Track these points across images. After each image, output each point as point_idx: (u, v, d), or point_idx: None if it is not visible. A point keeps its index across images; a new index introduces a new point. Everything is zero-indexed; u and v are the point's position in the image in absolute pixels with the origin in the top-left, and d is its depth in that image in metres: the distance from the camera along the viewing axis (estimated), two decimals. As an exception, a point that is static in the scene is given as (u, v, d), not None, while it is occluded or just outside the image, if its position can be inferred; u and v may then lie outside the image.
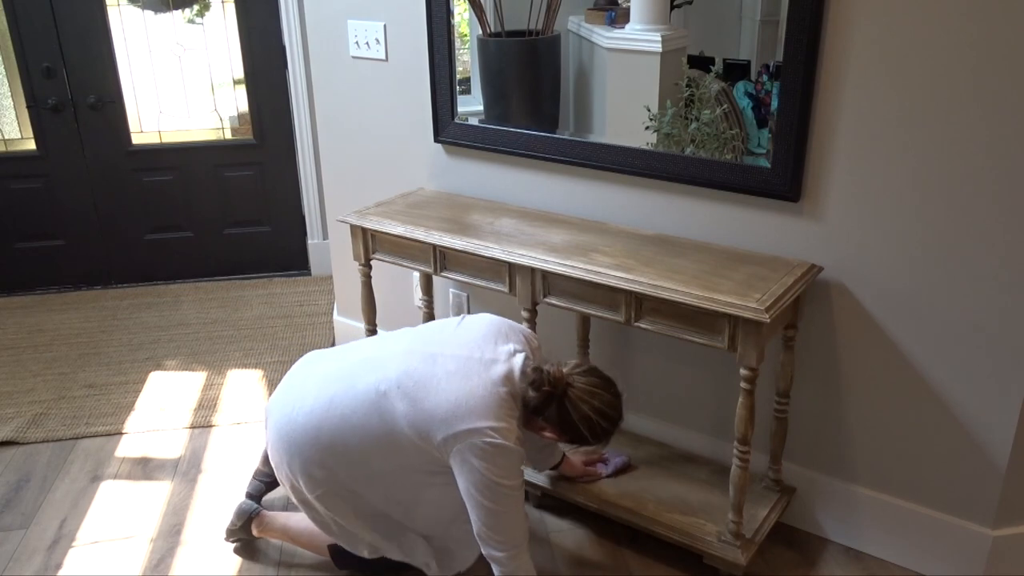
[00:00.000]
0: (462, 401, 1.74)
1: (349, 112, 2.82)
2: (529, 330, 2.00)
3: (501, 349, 1.83)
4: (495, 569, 1.82)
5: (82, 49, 3.60)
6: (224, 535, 2.26)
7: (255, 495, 2.28)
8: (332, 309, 3.55)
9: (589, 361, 1.83)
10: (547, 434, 1.82)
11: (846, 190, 1.93)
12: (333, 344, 3.32)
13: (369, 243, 2.40)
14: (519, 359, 1.81)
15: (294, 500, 2.00)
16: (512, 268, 2.11)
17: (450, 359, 1.82)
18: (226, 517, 2.35)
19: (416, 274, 2.79)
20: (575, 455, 2.27)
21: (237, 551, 2.25)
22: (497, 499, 1.75)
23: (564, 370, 1.79)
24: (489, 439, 1.71)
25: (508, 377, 1.78)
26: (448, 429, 1.73)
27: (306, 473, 1.89)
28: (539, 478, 2.29)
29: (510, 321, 1.96)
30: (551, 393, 1.75)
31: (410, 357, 1.85)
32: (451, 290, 2.79)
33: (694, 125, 2.14)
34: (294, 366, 2.08)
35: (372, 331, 2.53)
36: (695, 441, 2.40)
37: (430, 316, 2.75)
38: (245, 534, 2.24)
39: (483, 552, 1.83)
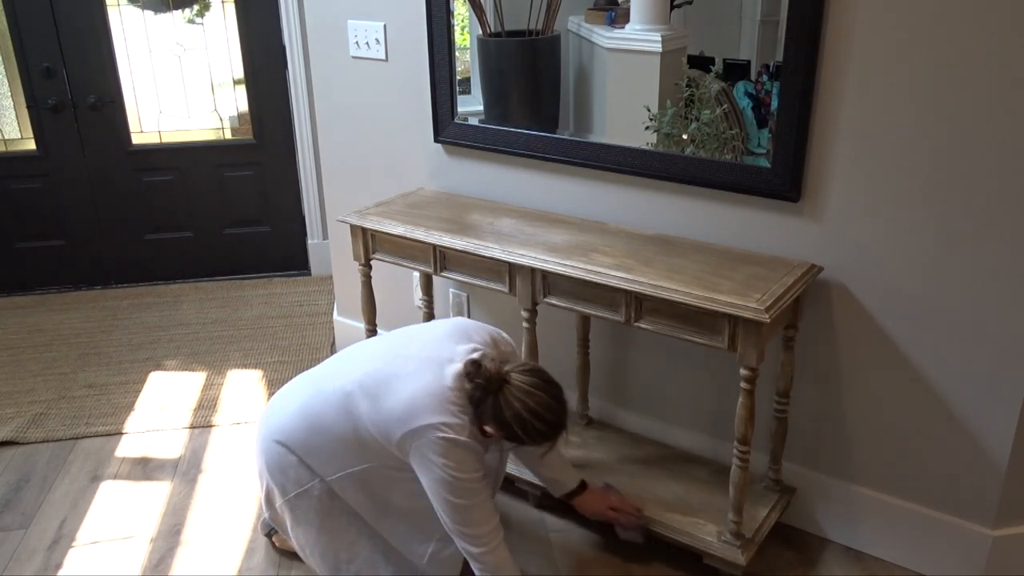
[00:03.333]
0: (416, 399, 1.77)
1: (349, 112, 2.82)
2: (500, 332, 1.99)
3: (460, 348, 1.85)
4: (475, 567, 1.84)
5: (82, 49, 3.60)
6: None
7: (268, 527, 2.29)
8: (332, 309, 3.55)
9: (538, 363, 1.82)
10: (488, 429, 1.82)
11: (846, 190, 1.93)
12: (333, 344, 3.32)
13: (369, 243, 2.40)
14: (475, 356, 1.83)
15: (267, 515, 2.08)
16: (512, 268, 2.11)
17: (411, 359, 1.85)
18: (226, 517, 2.36)
19: (416, 274, 2.79)
20: (601, 495, 2.16)
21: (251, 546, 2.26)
22: (458, 494, 1.78)
23: (505, 368, 1.79)
24: (442, 434, 1.74)
25: (461, 375, 1.80)
26: (404, 427, 1.77)
27: (282, 475, 1.95)
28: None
29: (479, 323, 1.98)
30: (485, 387, 1.75)
31: (374, 360, 1.91)
32: (451, 290, 2.79)
33: (694, 125, 2.14)
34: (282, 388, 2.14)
35: (372, 331, 2.53)
36: (695, 441, 2.40)
37: (430, 316, 2.75)
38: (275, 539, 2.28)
39: (460, 548, 1.85)
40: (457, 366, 1.81)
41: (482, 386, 1.76)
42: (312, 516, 1.96)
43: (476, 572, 1.85)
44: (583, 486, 2.15)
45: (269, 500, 2.03)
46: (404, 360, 1.86)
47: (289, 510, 1.98)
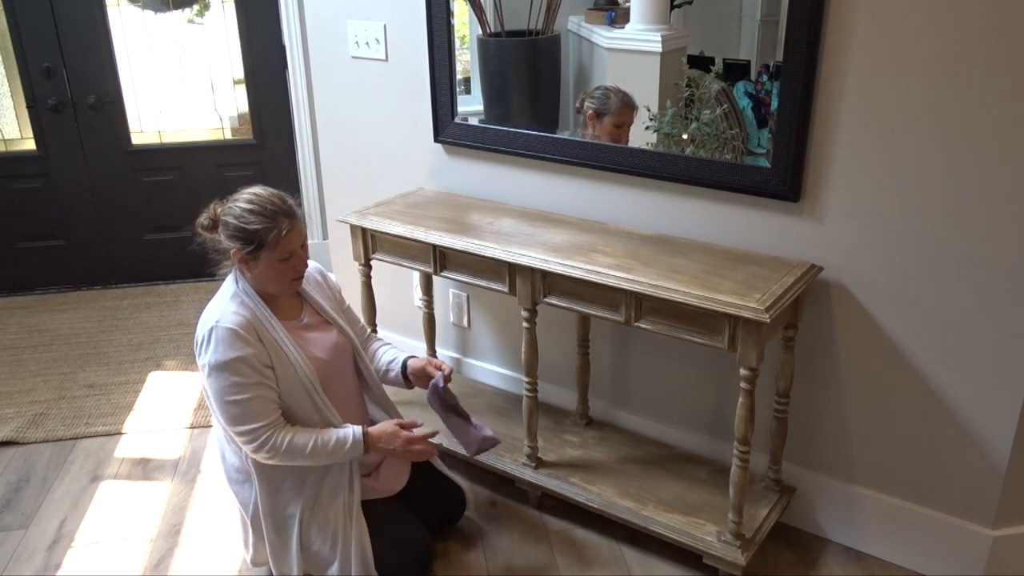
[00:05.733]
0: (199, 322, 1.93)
1: (349, 112, 2.82)
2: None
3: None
4: (263, 457, 1.89)
5: (82, 49, 3.60)
6: None
7: None
8: (332, 309, 3.55)
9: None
10: (236, 258, 1.89)
11: (846, 190, 1.93)
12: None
13: (369, 243, 2.40)
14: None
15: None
16: (512, 268, 2.11)
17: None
18: (226, 517, 2.36)
19: (416, 274, 2.79)
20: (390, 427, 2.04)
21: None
22: (222, 387, 1.83)
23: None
24: (204, 328, 1.86)
25: (230, 275, 1.96)
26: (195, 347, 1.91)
27: (232, 493, 2.05)
28: (539, 477, 2.29)
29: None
30: (211, 225, 1.91)
31: None
32: (451, 290, 2.79)
33: (694, 125, 2.14)
34: None
35: (372, 331, 2.53)
36: (695, 441, 2.40)
37: (430, 316, 2.75)
38: None
39: (255, 458, 1.90)
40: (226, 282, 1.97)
41: (207, 226, 1.91)
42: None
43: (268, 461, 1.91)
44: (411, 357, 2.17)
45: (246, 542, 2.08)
46: None
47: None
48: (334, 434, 1.91)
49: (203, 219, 1.92)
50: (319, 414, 1.95)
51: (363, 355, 2.13)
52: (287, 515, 1.97)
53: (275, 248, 1.87)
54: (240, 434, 1.86)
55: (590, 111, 2.25)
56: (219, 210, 1.91)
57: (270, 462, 1.90)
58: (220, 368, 1.83)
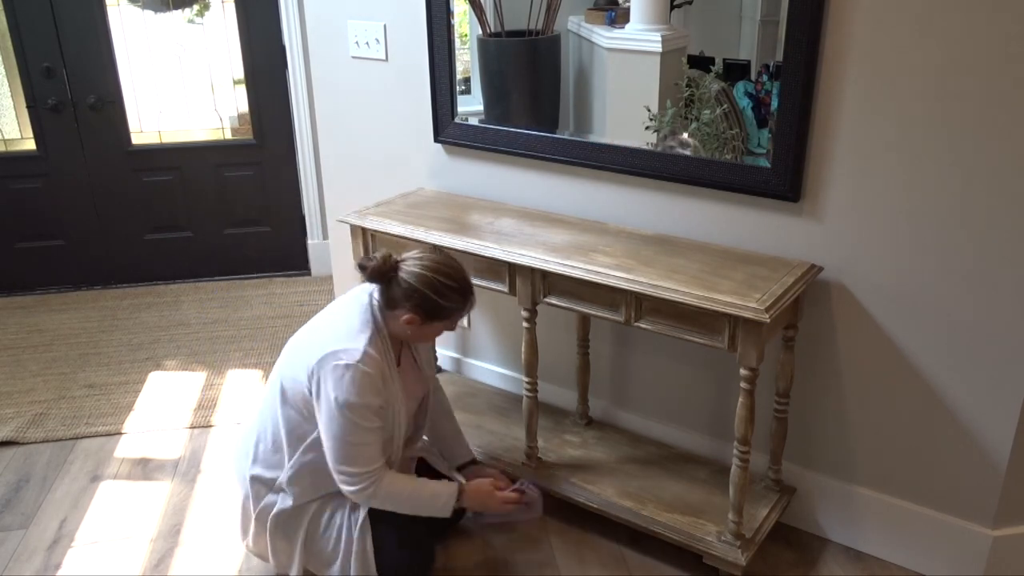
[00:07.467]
0: (323, 339, 1.87)
1: (349, 112, 2.82)
2: None
3: (361, 295, 1.93)
4: (359, 499, 1.89)
5: (82, 49, 3.60)
6: None
7: None
8: (332, 309, 3.55)
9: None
10: (405, 319, 1.85)
11: (846, 190, 1.93)
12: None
13: (369, 243, 2.41)
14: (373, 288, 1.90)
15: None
16: (512, 268, 2.11)
17: (321, 323, 1.96)
18: (226, 517, 2.36)
19: (416, 274, 2.79)
20: (486, 483, 2.07)
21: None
22: (347, 428, 1.81)
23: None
24: (337, 361, 1.80)
25: (365, 307, 1.89)
26: (311, 361, 1.84)
27: (249, 485, 2.02)
28: (539, 477, 2.29)
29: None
30: (380, 270, 1.82)
31: (295, 342, 1.99)
32: (451, 290, 2.79)
33: (694, 125, 2.14)
34: None
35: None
36: (695, 441, 2.40)
37: (430, 316, 2.75)
38: None
39: (343, 491, 1.89)
40: (358, 303, 1.90)
41: (376, 269, 1.82)
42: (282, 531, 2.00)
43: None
44: (474, 462, 2.22)
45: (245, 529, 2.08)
46: (315, 326, 1.97)
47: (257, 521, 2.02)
48: (430, 487, 1.93)
49: (374, 264, 1.83)
50: (387, 458, 1.95)
51: (430, 403, 2.15)
52: (297, 516, 1.98)
53: (456, 321, 1.89)
54: (341, 473, 1.85)
55: None
56: (394, 261, 1.85)
57: (362, 503, 1.91)
58: (350, 408, 1.80)
